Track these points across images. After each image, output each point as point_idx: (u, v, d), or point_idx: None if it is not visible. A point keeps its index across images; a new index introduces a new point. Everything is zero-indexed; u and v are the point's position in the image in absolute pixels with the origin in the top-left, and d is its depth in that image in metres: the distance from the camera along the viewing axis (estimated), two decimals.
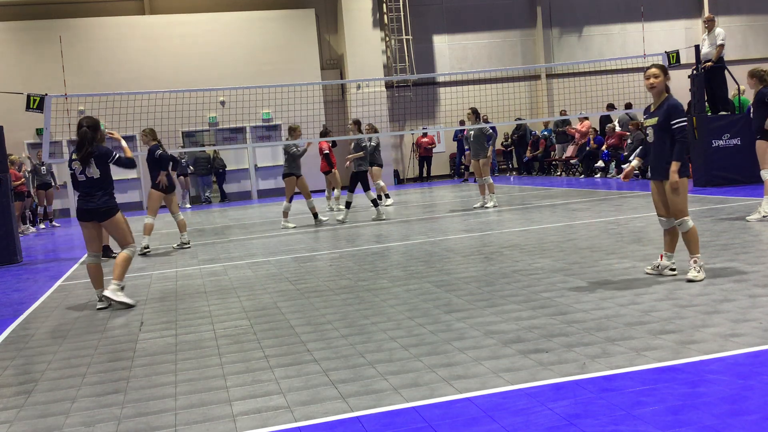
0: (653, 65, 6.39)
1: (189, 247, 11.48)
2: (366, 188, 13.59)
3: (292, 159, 13.13)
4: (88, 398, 4.37)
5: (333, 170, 16.19)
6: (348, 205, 13.73)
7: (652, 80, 6.26)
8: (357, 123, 14.62)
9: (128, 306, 7.05)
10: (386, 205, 16.20)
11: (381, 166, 16.39)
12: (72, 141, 21.79)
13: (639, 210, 11.40)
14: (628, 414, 3.42)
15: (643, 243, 8.24)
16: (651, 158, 6.37)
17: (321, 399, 3.98)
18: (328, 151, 15.96)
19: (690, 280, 6.08)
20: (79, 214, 7.18)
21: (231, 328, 5.85)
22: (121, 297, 7.07)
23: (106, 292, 7.07)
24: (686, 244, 6.23)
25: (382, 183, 16.35)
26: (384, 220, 13.29)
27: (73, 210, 22.61)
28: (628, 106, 20.51)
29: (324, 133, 16.32)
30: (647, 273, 6.52)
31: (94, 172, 7.12)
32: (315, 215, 13.52)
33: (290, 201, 13.38)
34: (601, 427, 3.30)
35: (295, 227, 13.19)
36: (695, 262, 6.16)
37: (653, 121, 6.28)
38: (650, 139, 6.34)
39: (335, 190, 16.68)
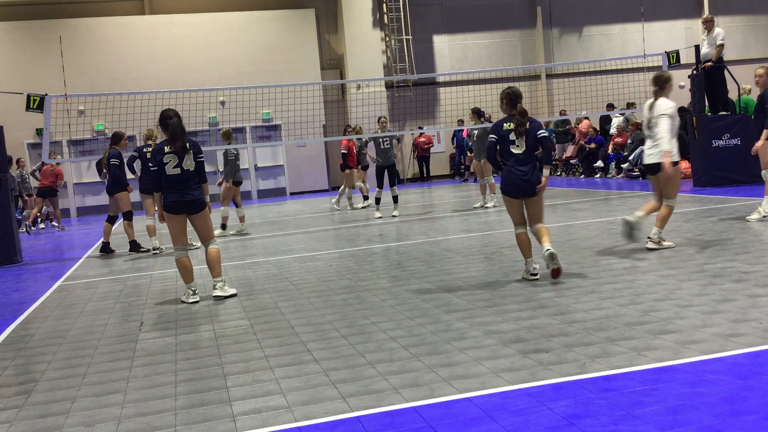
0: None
1: (197, 248, 11.21)
2: (392, 183, 14.01)
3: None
4: (88, 398, 4.37)
5: (347, 171, 16.27)
6: (378, 201, 14.01)
7: None
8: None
9: (234, 294, 7.17)
10: (361, 207, 16.28)
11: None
12: (72, 141, 21.85)
13: (639, 210, 11.36)
14: (628, 414, 3.42)
15: (643, 243, 8.23)
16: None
17: (321, 399, 3.98)
18: (345, 151, 16.06)
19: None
20: (174, 207, 7.00)
21: (231, 328, 5.85)
22: (229, 291, 7.16)
23: (217, 293, 7.08)
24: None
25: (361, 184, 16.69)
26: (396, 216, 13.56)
27: (73, 210, 22.67)
28: (630, 105, 20.49)
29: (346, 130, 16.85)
30: (524, 278, 6.78)
31: (189, 164, 7.00)
32: (223, 226, 13.00)
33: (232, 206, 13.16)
34: (601, 427, 3.30)
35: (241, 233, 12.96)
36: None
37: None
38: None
39: (346, 189, 16.75)
